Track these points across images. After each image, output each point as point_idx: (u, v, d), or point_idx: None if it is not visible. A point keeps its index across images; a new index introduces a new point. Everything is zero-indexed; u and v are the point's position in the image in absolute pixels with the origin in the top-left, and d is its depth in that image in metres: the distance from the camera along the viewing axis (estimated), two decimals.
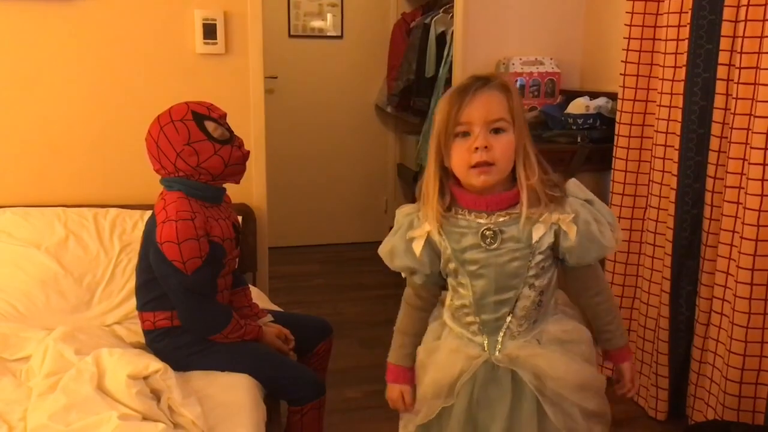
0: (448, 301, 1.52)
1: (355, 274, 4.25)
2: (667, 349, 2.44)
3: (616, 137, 2.65)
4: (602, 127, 2.85)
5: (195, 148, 1.83)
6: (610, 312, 1.51)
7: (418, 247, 1.44)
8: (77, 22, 2.50)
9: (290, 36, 4.42)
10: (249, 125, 2.70)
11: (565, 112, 2.93)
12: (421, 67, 3.94)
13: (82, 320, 2.12)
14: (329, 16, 4.50)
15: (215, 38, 2.57)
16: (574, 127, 2.86)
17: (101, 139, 2.59)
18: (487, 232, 1.39)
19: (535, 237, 1.38)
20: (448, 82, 3.61)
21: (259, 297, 2.30)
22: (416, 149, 4.09)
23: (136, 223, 2.40)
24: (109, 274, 2.27)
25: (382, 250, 1.51)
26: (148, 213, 1.94)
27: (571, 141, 2.81)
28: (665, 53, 2.39)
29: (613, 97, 2.81)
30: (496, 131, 1.35)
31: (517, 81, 3.17)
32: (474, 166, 1.35)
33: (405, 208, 1.51)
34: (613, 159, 2.66)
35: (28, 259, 2.22)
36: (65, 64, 2.52)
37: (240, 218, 2.41)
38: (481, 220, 1.40)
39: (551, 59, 3.23)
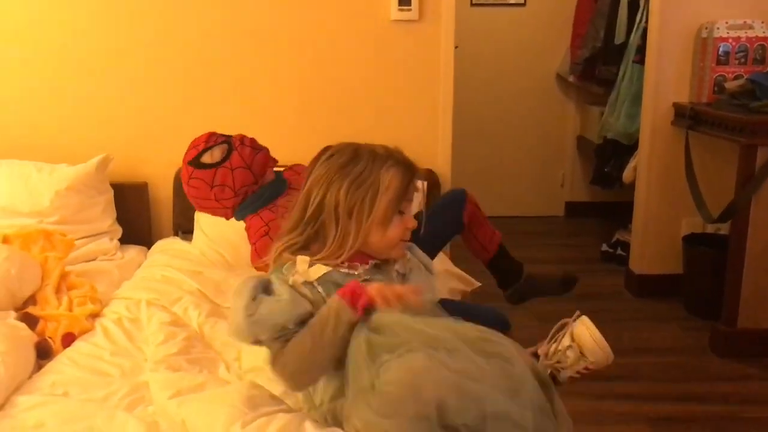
0: None
1: (528, 248, 4.17)
2: None
3: None
4: None
5: (219, 185, 1.91)
6: None
7: None
8: None
9: (472, 5, 4.39)
10: (438, 92, 2.73)
11: None
12: (610, 34, 3.76)
13: None
14: None
15: (409, 4, 2.61)
16: None
17: (299, 104, 2.73)
18: None
19: None
20: (640, 49, 3.42)
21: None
22: (600, 121, 3.93)
23: None
24: None
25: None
26: None
27: None
28: None
29: None
30: None
31: (720, 47, 2.93)
32: (404, 241, 1.41)
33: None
34: None
35: None
36: (266, 33, 2.68)
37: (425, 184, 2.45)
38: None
39: (762, 22, 2.96)
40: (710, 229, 3.17)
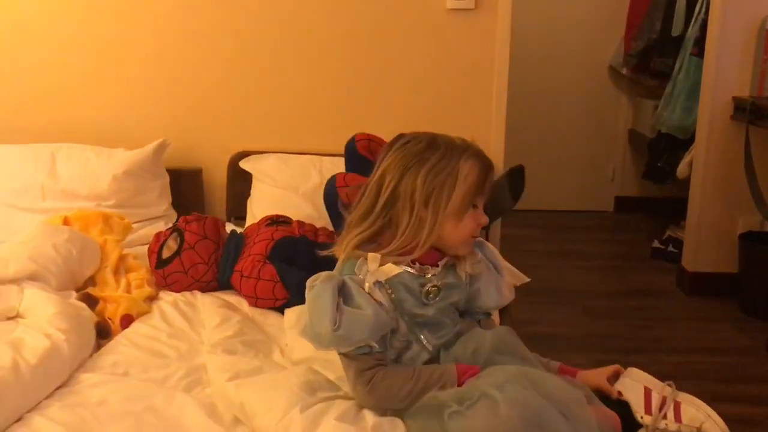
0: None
1: (576, 243, 4.13)
2: None
3: None
4: None
5: (191, 266, 2.00)
6: None
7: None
8: None
9: None
10: (492, 83, 2.70)
11: None
12: (667, 26, 3.69)
13: None
14: None
15: None
16: None
17: (352, 94, 2.72)
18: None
19: None
20: (698, 41, 3.35)
21: None
22: (653, 114, 3.85)
23: None
24: None
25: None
26: None
27: None
28: None
29: None
30: None
31: None
32: (474, 237, 1.37)
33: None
34: None
35: (287, 201, 2.42)
36: (319, 21, 2.68)
37: None
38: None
39: None
40: None
